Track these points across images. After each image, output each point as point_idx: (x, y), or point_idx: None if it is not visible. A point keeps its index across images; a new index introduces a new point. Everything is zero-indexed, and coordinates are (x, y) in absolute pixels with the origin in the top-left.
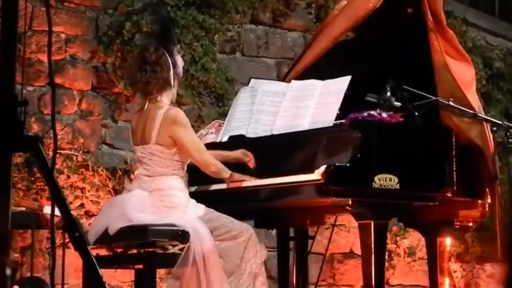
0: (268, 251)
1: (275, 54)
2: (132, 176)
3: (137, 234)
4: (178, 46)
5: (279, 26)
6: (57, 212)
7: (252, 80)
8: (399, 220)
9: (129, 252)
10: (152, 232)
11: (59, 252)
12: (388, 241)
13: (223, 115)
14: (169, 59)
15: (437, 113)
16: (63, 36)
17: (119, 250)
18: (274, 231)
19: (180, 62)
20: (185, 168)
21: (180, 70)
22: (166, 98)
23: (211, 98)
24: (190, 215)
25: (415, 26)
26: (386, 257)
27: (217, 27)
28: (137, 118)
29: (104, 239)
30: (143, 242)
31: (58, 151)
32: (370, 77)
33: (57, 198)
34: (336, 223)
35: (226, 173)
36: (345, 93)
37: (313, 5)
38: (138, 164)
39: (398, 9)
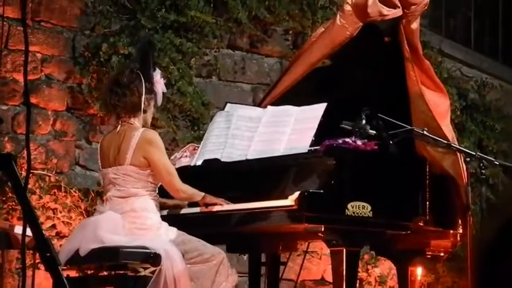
0: (239, 276)
1: (251, 79)
2: (104, 198)
3: (109, 255)
4: (159, 72)
5: (256, 52)
6: (28, 232)
7: (228, 104)
8: (371, 248)
9: (100, 274)
10: (123, 254)
11: (28, 272)
12: (359, 269)
13: (198, 139)
14: (143, 84)
15: (412, 142)
16: (39, 56)
17: (89, 272)
18: (246, 257)
19: (160, 87)
20: (157, 190)
21: (159, 96)
22: (137, 122)
23: (186, 122)
24: (162, 237)
25: (392, 55)
26: (357, 285)
27: (194, 51)
28: (108, 140)
29: (75, 260)
30: (115, 264)
31: (31, 171)
32: (346, 104)
33: (30, 218)
34: (308, 250)
35: (199, 195)
36: (321, 120)
37: (290, 32)
38: (110, 186)
39: (375, 38)
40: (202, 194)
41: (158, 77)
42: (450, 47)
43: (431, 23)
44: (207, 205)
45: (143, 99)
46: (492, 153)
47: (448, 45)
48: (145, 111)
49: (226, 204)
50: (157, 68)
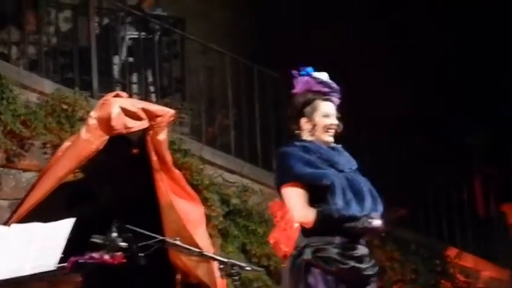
0: None
1: (8, 195)
2: None
3: None
4: None
5: (13, 167)
6: None
7: None
8: None
9: None
10: None
11: None
12: None
13: None
14: None
15: (166, 252)
16: None
17: None
18: None
19: None
20: None
21: None
22: None
23: None
24: None
25: (141, 167)
26: None
27: None
28: None
29: None
30: None
31: None
32: (98, 217)
33: None
34: None
35: None
36: (70, 236)
37: (48, 145)
38: None
39: (123, 150)
40: None
41: None
42: (211, 153)
43: (192, 131)
44: None
45: None
46: (256, 257)
47: (208, 152)
48: None
49: None
50: None
